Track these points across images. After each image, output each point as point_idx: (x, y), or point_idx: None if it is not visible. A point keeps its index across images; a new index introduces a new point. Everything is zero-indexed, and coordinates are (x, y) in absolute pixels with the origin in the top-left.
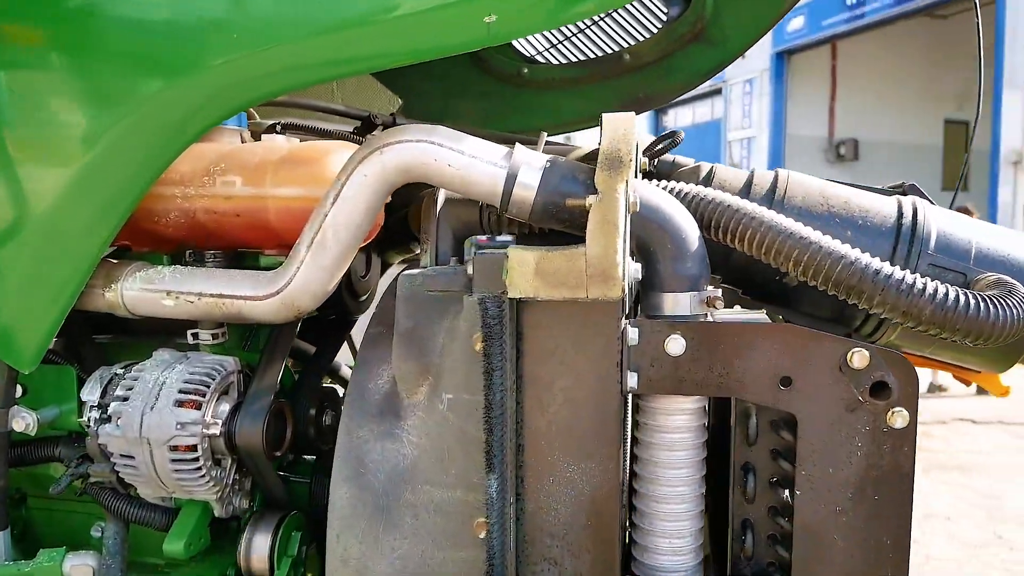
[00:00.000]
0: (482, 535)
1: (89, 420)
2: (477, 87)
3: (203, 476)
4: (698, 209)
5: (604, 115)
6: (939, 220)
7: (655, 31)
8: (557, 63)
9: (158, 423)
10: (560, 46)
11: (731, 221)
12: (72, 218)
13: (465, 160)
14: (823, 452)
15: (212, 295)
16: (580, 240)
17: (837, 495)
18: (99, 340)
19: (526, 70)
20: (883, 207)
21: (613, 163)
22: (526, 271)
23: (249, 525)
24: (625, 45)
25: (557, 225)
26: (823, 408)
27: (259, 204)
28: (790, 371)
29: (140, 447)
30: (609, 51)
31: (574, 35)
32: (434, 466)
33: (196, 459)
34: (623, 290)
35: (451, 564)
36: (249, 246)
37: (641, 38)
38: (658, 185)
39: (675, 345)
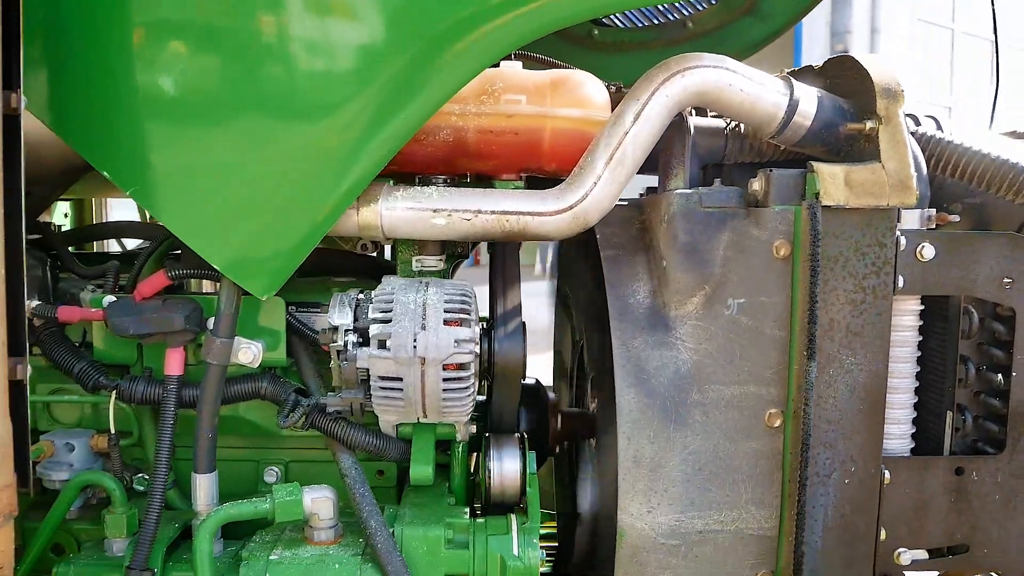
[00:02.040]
0: (776, 424)
1: (346, 344)
2: (550, 50)
3: (469, 395)
4: (927, 146)
5: (860, 56)
6: None
7: (715, 2)
8: (624, 27)
9: (435, 342)
10: (630, 11)
11: (956, 155)
12: (353, 141)
13: (755, 87)
14: None
15: (493, 212)
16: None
17: None
18: None
19: (596, 32)
20: None
21: (890, 93)
22: (837, 182)
23: (493, 449)
24: (688, 13)
25: (818, 149)
26: None
27: (538, 124)
28: (1012, 272)
29: (412, 367)
30: (674, 18)
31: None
32: (722, 366)
33: (467, 378)
34: (916, 198)
35: (743, 455)
36: (504, 169)
37: (702, 8)
38: None
39: (928, 251)
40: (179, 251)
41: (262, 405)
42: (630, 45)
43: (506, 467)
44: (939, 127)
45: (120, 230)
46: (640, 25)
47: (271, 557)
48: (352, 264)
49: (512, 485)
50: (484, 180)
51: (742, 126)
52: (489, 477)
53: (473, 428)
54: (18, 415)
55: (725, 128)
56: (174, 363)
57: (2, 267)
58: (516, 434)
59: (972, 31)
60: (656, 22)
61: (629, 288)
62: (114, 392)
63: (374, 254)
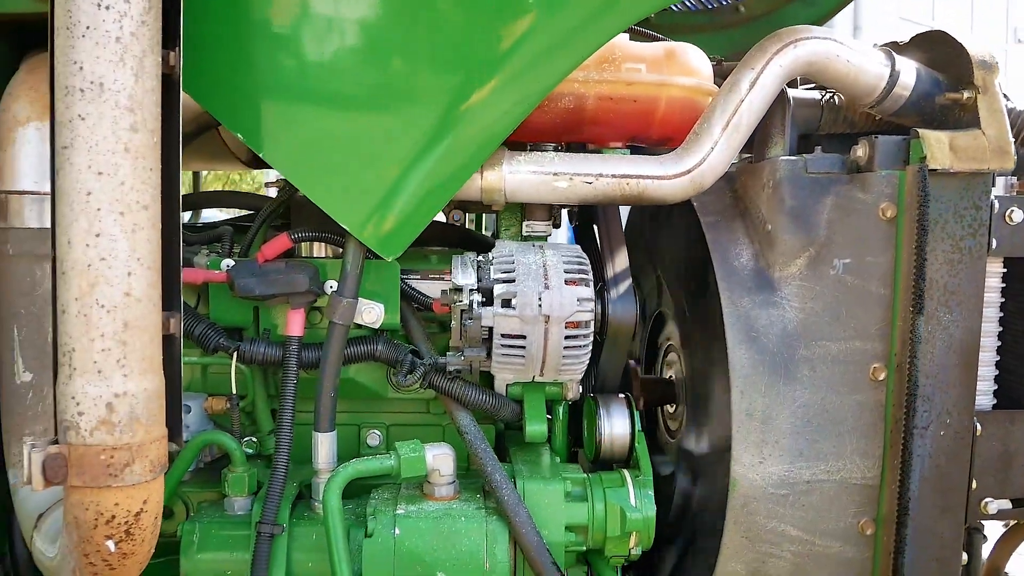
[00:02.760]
0: (880, 378)
1: (471, 303)
2: None
3: (586, 354)
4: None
5: (949, 31)
6: None
7: None
8: (680, 10)
9: (559, 300)
10: None
11: None
12: (487, 105)
13: (860, 58)
14: None
15: (614, 175)
16: None
17: None
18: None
19: (654, 16)
20: None
21: (986, 65)
22: (943, 148)
23: (602, 408)
24: None
25: (913, 118)
26: None
27: (655, 92)
28: None
29: (536, 325)
30: (726, 3)
31: None
32: (828, 323)
33: (587, 335)
34: (1014, 163)
35: (848, 408)
36: (614, 137)
37: None
38: None
39: (1017, 215)
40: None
41: (367, 368)
42: (684, 28)
43: (615, 425)
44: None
45: (215, 199)
46: (695, 9)
47: (397, 512)
48: (443, 234)
49: (621, 443)
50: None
51: (837, 98)
52: (599, 435)
53: (580, 388)
54: (171, 369)
55: (821, 100)
56: (296, 324)
57: (160, 223)
58: (622, 395)
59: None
60: (710, 7)
61: (732, 252)
62: (235, 354)
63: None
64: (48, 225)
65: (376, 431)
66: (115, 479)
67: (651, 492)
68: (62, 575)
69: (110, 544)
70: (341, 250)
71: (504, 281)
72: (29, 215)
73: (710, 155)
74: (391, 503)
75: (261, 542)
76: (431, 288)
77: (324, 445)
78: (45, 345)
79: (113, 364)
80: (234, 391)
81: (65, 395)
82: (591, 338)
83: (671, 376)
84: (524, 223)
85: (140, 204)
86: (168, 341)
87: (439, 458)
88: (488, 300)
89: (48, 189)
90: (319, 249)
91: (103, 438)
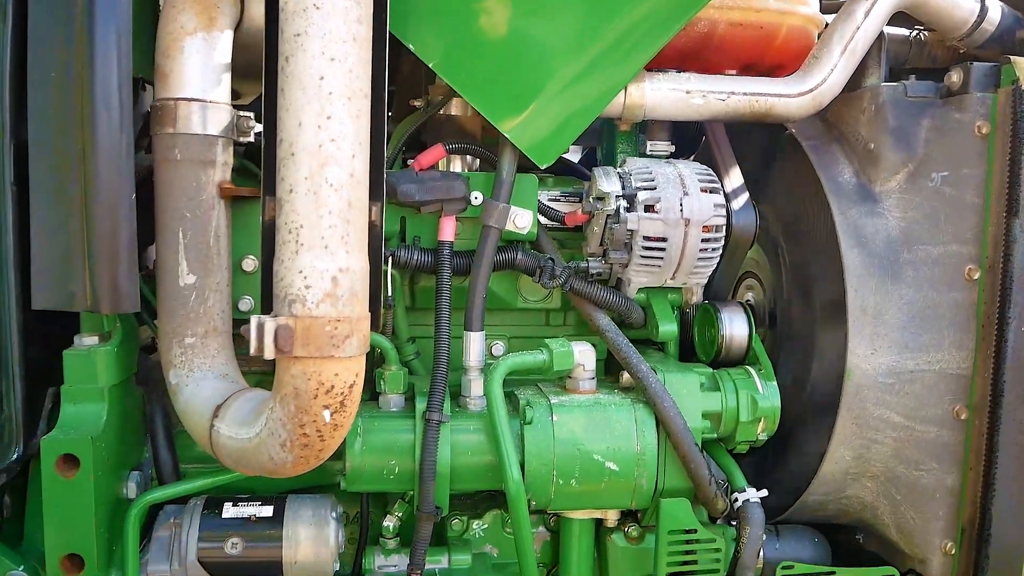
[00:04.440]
0: (975, 277)
1: (617, 208)
2: None
3: (716, 258)
4: None
5: None
6: None
7: None
8: None
9: (698, 205)
10: None
11: None
12: (644, 26)
13: None
14: None
15: (745, 93)
16: None
17: None
18: None
19: None
20: None
21: None
22: None
23: (722, 312)
24: None
25: (994, 52)
26: None
27: (779, 20)
28: None
29: (677, 228)
30: None
31: None
32: (927, 230)
33: (719, 239)
34: None
35: (946, 304)
36: (732, 63)
37: None
38: None
39: None
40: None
41: (499, 279)
42: None
43: (735, 327)
44: None
45: None
46: None
47: (552, 402)
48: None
49: (739, 343)
50: None
51: (923, 35)
52: (720, 336)
53: (701, 293)
54: (374, 254)
55: (909, 36)
56: (449, 230)
57: (368, 122)
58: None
59: None
60: None
61: (835, 170)
62: (390, 259)
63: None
64: (212, 132)
65: (500, 342)
66: (336, 350)
67: (775, 383)
68: (265, 450)
69: (326, 414)
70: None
71: (646, 188)
72: (196, 121)
73: (830, 76)
74: (543, 396)
75: (430, 429)
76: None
77: (475, 343)
78: (207, 249)
79: (338, 240)
80: (389, 293)
81: (291, 270)
82: (722, 243)
83: (748, 300)
84: (648, 143)
85: (362, 92)
86: (372, 229)
87: (583, 353)
88: (631, 206)
89: (214, 97)
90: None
91: (327, 310)
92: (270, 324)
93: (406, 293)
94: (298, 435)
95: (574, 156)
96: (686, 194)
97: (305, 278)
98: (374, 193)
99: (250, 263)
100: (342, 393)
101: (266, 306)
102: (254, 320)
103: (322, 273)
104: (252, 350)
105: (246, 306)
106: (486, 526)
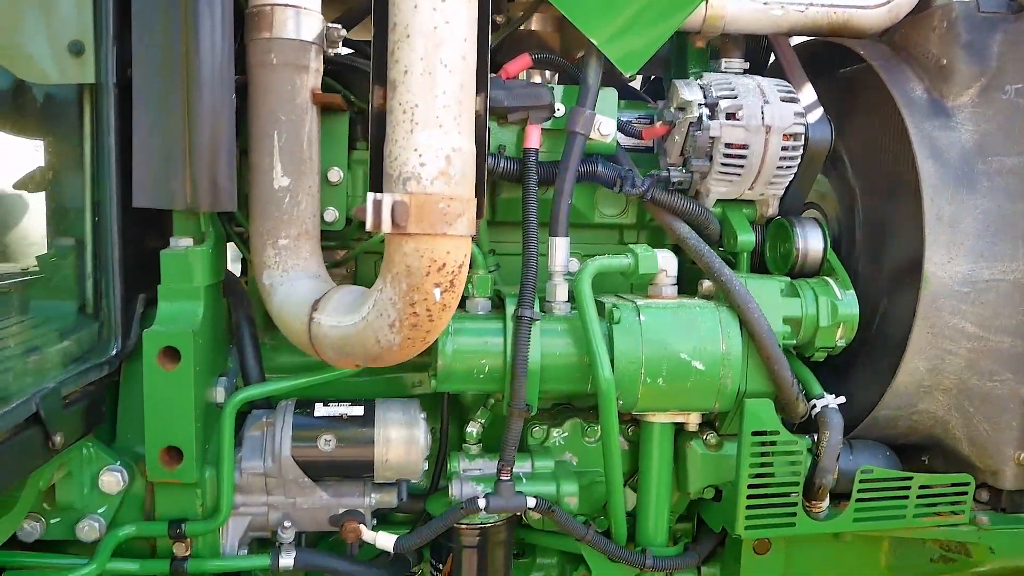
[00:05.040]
0: None
1: (700, 116)
2: None
3: (794, 167)
4: None
5: None
6: None
7: None
8: None
9: (779, 113)
10: None
11: None
12: None
13: None
14: None
15: (823, 5)
16: None
17: None
18: None
19: None
20: None
21: None
22: None
23: (797, 227)
24: None
25: None
26: None
27: None
28: None
29: (758, 136)
30: None
31: None
32: (1001, 141)
33: (798, 148)
34: None
35: (1020, 214)
36: None
37: None
38: None
39: None
40: None
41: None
42: None
43: (810, 240)
44: None
45: None
46: None
47: (638, 303)
48: None
49: (814, 256)
50: None
51: None
52: (796, 249)
53: (777, 205)
54: (478, 143)
55: None
56: (534, 137)
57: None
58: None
59: None
60: None
61: (907, 87)
62: None
63: None
64: (306, 38)
65: (575, 259)
66: (449, 227)
67: (853, 292)
68: (372, 334)
69: (437, 292)
70: None
71: (727, 97)
72: (291, 27)
73: None
74: (628, 300)
75: (523, 326)
76: None
77: (560, 249)
78: (301, 152)
79: (452, 120)
80: None
81: (406, 148)
82: (800, 151)
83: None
84: (723, 60)
85: None
86: (478, 117)
87: (666, 259)
88: (712, 114)
89: (307, 4)
90: None
91: (441, 188)
92: (387, 199)
93: (486, 207)
94: (408, 314)
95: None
96: (766, 102)
97: (420, 156)
98: (480, 83)
99: (335, 174)
100: (452, 272)
101: (375, 188)
102: (371, 197)
103: (436, 151)
104: (369, 226)
105: (331, 216)
106: (566, 434)
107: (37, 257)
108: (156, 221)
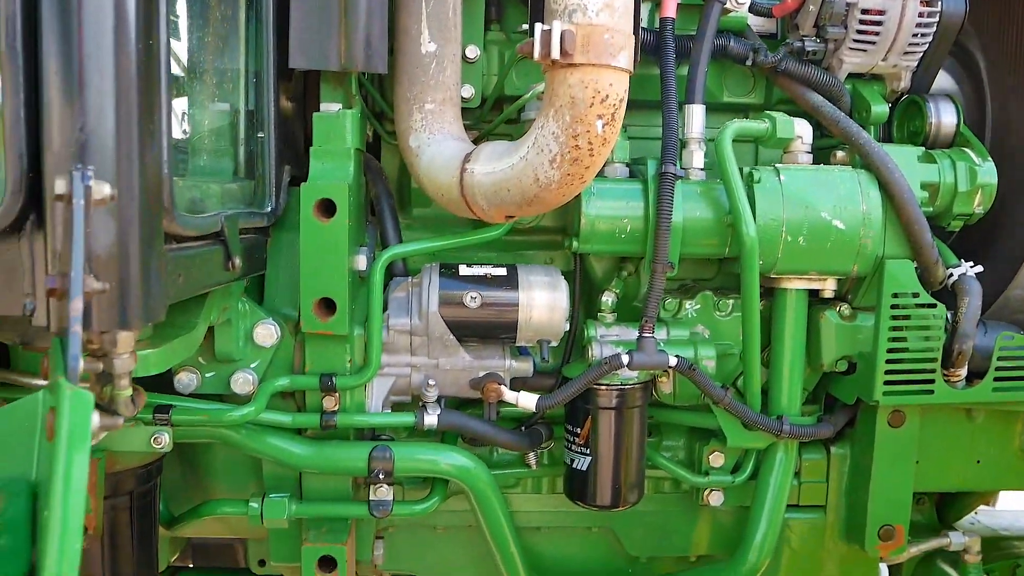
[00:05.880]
0: None
1: None
2: None
3: (929, 38)
4: None
5: None
6: None
7: None
8: None
9: None
10: None
11: None
12: None
13: None
14: None
15: None
16: None
17: None
18: None
19: None
20: None
21: None
22: None
23: (930, 103)
24: None
25: None
26: None
27: None
28: None
29: (896, 1)
30: None
31: None
32: None
33: (934, 15)
34: None
35: None
36: None
37: None
38: None
39: None
40: None
41: None
42: None
43: (944, 114)
44: None
45: None
46: None
47: (777, 165)
48: None
49: (947, 130)
50: None
51: None
52: (929, 123)
53: (910, 80)
54: None
55: None
56: (671, 6)
57: None
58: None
59: None
60: None
61: None
62: None
63: None
64: None
65: None
66: (613, 59)
67: (991, 161)
68: (531, 171)
69: (599, 124)
70: None
71: None
72: None
73: None
74: (767, 165)
75: (666, 182)
76: None
77: (697, 115)
78: (447, 20)
79: None
80: None
81: None
82: (936, 20)
83: None
84: None
85: None
86: None
87: (802, 126)
88: None
89: None
90: None
91: (606, 19)
92: (556, 27)
93: None
94: (570, 147)
95: None
96: None
97: None
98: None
99: (473, 51)
100: (614, 105)
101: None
102: (539, 27)
103: None
104: (537, 55)
105: (468, 92)
106: (698, 307)
107: (197, 121)
108: (297, 100)
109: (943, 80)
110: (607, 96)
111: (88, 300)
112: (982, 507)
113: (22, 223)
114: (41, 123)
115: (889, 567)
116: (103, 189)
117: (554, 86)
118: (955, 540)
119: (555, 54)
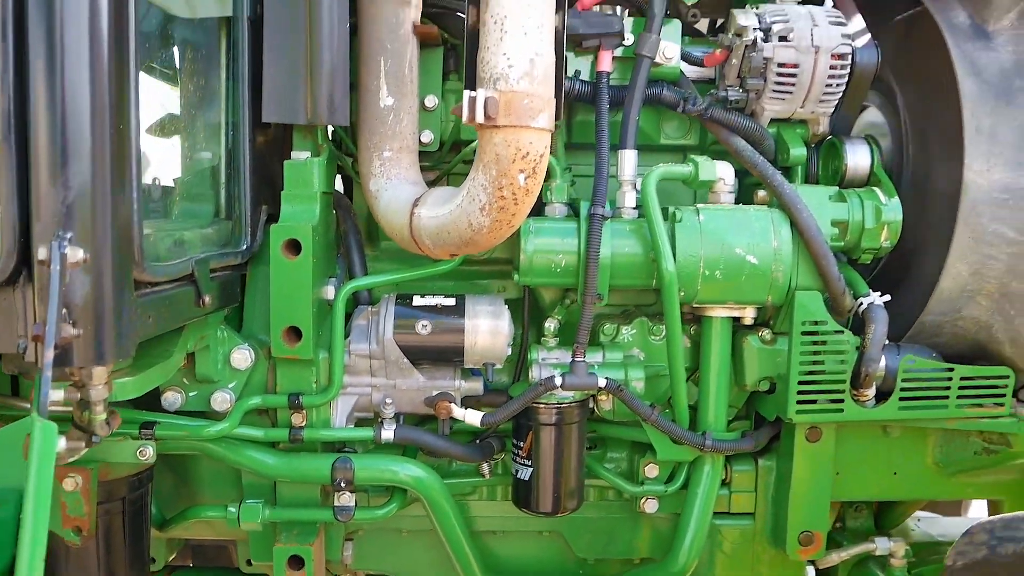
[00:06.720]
0: None
1: (755, 39)
2: None
3: (841, 88)
4: None
5: None
6: None
7: None
8: None
9: (827, 34)
10: None
11: None
12: None
13: None
14: None
15: None
16: None
17: None
18: None
19: None
20: None
21: None
22: None
23: (847, 144)
24: None
25: None
26: None
27: None
28: None
29: (808, 56)
30: None
31: None
32: None
33: (845, 67)
34: None
35: None
36: None
37: None
38: None
39: None
40: None
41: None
42: None
43: (858, 156)
44: None
45: None
46: None
47: (698, 206)
48: None
49: (863, 170)
50: None
51: None
52: (844, 164)
53: (828, 124)
54: (558, 51)
55: None
56: (606, 62)
57: None
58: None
59: None
60: None
61: (950, 14)
62: None
63: None
64: None
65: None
66: (532, 120)
67: (897, 199)
68: (465, 218)
69: (521, 177)
70: None
71: (780, 21)
72: None
73: None
74: (689, 206)
75: (595, 222)
76: None
77: (629, 160)
78: (403, 76)
79: (535, 30)
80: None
81: (496, 53)
82: (848, 71)
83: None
84: None
85: None
86: (557, 32)
87: (724, 168)
88: (767, 37)
89: None
90: None
91: (526, 86)
92: (481, 95)
93: (563, 129)
94: (496, 198)
95: None
96: (816, 25)
97: (508, 59)
98: (559, 4)
99: (431, 100)
100: (534, 160)
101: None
102: (467, 93)
103: (522, 55)
104: (465, 119)
105: (427, 138)
106: (634, 331)
107: (181, 168)
108: (275, 144)
109: (873, 115)
110: (527, 153)
111: (67, 343)
112: (923, 514)
113: (16, 277)
114: (30, 199)
115: (824, 570)
116: (77, 254)
117: (482, 144)
118: (880, 545)
119: (479, 119)
